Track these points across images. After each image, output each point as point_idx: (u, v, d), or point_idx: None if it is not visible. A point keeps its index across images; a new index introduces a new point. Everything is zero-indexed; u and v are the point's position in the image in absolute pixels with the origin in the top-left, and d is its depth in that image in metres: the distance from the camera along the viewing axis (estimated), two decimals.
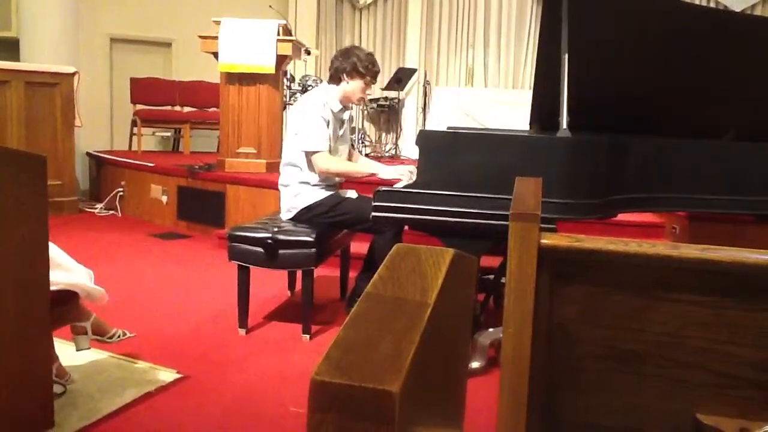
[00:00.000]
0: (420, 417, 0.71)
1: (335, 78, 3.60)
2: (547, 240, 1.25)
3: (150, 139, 8.47)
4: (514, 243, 1.24)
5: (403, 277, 0.83)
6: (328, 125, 3.51)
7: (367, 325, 0.69)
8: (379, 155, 8.01)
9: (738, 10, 7.72)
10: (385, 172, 3.56)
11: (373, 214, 2.79)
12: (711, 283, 1.20)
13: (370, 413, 0.56)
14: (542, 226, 1.25)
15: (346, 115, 3.71)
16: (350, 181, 3.91)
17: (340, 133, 3.67)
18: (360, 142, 8.06)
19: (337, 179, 3.70)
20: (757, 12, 7.99)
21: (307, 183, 3.53)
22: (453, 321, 1.04)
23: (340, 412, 0.56)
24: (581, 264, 1.27)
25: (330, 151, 3.53)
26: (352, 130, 3.82)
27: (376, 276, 0.84)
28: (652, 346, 1.26)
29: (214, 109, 7.54)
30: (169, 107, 8.25)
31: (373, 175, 3.61)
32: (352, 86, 3.57)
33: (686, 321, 1.23)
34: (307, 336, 3.34)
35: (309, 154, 3.48)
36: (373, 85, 3.71)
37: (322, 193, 3.53)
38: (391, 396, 0.56)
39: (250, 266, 3.35)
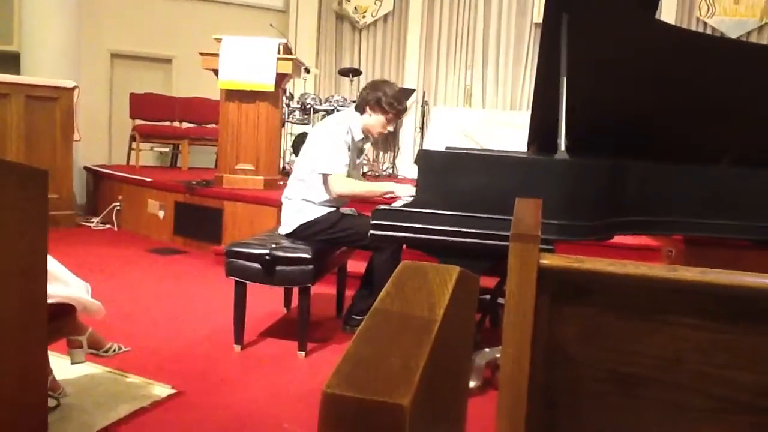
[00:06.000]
0: (427, 431, 0.71)
1: (360, 107, 3.63)
2: (547, 261, 1.25)
3: (148, 155, 8.48)
4: (514, 263, 1.24)
5: (410, 294, 0.84)
6: (349, 150, 3.53)
7: (376, 340, 0.70)
8: (377, 174, 8.03)
9: (734, 36, 7.80)
10: (401, 189, 3.48)
11: (372, 232, 2.80)
12: (710, 307, 1.20)
13: (380, 426, 0.56)
14: (541, 246, 1.26)
15: (366, 145, 3.75)
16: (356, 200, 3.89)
17: (357, 161, 3.71)
18: None
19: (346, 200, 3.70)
20: (753, 39, 8.08)
21: (311, 201, 3.53)
22: (457, 338, 1.04)
23: (351, 426, 0.56)
24: (580, 285, 1.28)
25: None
26: (359, 153, 3.81)
27: (383, 292, 0.85)
28: (650, 370, 1.26)
29: (213, 125, 7.56)
30: (168, 123, 8.26)
31: (390, 192, 3.50)
32: (374, 120, 3.59)
33: (684, 344, 1.23)
34: (303, 353, 3.33)
35: (327, 176, 3.48)
36: (396, 121, 3.71)
37: (323, 211, 3.54)
38: (401, 410, 0.56)
39: (247, 282, 3.34)
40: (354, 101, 3.65)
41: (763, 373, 1.19)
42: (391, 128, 3.75)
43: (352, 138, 3.59)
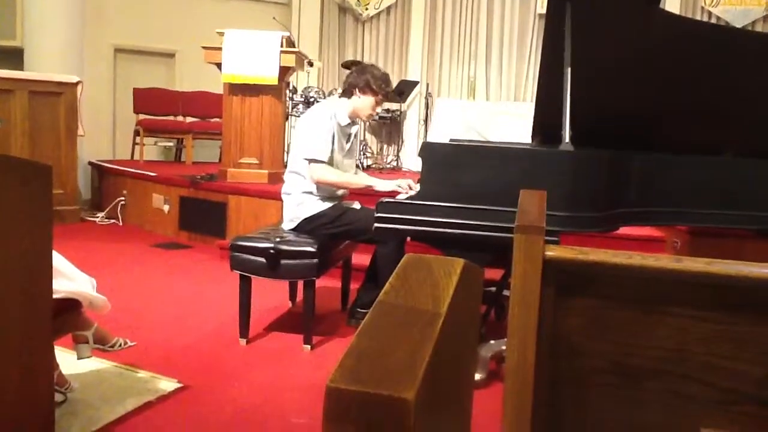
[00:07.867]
0: (432, 425, 0.71)
1: (348, 92, 3.65)
2: (552, 252, 1.25)
3: (152, 149, 8.49)
4: (519, 255, 1.24)
5: (415, 287, 0.83)
6: (332, 137, 3.52)
7: (380, 333, 0.70)
8: (381, 167, 8.03)
9: (739, 26, 7.76)
10: (381, 185, 3.55)
11: (376, 225, 2.80)
12: (715, 298, 1.20)
13: (385, 421, 0.56)
14: (546, 238, 1.25)
15: (353, 130, 3.73)
16: (354, 192, 3.91)
17: (347, 147, 3.68)
18: (361, 153, 8.09)
19: (339, 191, 3.70)
20: (758, 28, 8.03)
21: (311, 193, 3.53)
22: (462, 330, 1.04)
23: (356, 420, 0.56)
24: (585, 277, 1.27)
25: (334, 164, 3.53)
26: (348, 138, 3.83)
27: (387, 285, 0.85)
28: (655, 361, 1.26)
29: (217, 119, 7.55)
30: (171, 117, 8.27)
31: (369, 187, 3.59)
32: (363, 102, 3.61)
33: (690, 336, 1.23)
34: (308, 347, 3.33)
35: (308, 162, 3.50)
36: (382, 104, 3.76)
37: (325, 204, 3.54)
38: (406, 403, 0.56)
39: (252, 276, 3.35)
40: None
41: None
42: (379, 109, 3.78)
43: (338, 124, 3.58)
